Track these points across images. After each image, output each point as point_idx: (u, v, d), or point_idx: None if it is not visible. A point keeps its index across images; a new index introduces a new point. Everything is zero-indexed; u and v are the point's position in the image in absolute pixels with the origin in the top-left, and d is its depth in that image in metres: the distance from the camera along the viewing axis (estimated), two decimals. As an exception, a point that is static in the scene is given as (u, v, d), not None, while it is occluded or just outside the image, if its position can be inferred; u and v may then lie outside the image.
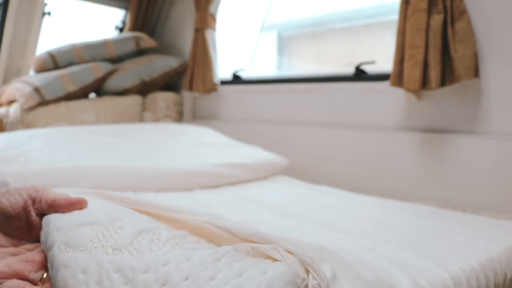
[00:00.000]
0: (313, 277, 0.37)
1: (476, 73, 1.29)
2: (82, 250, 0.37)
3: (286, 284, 0.33)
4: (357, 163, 1.62)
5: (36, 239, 0.43)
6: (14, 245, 0.42)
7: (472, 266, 0.57)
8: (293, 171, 1.72)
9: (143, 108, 2.30)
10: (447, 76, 1.33)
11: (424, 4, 1.32)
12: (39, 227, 0.43)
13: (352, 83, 1.70)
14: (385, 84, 1.50)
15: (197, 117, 2.36)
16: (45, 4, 2.13)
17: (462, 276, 0.54)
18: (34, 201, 0.44)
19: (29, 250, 0.42)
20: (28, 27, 2.07)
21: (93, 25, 2.53)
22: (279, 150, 1.76)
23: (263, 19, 2.37)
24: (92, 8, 2.42)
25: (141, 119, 2.27)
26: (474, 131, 1.35)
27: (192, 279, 0.34)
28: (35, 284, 0.38)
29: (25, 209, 0.43)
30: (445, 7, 1.31)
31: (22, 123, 1.86)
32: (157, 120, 2.26)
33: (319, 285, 0.37)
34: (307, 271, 0.37)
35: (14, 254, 0.40)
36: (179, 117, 2.38)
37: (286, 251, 0.38)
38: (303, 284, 0.35)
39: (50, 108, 1.94)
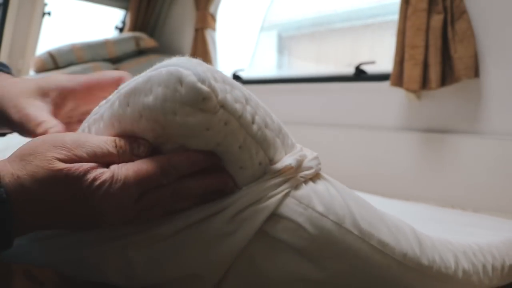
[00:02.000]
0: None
1: (476, 73, 1.29)
2: None
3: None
4: (357, 163, 1.62)
5: None
6: None
7: (469, 244, 0.57)
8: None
9: (143, 108, 2.30)
10: (447, 76, 1.33)
11: (424, 4, 1.32)
12: None
13: (352, 83, 1.70)
14: (385, 84, 1.50)
15: (197, 117, 2.36)
16: (45, 4, 2.13)
17: (459, 247, 0.54)
18: None
19: None
20: (28, 27, 2.07)
21: (93, 25, 2.53)
22: (279, 150, 1.76)
23: (263, 19, 2.37)
24: (92, 8, 2.42)
25: (141, 119, 2.27)
26: (474, 131, 1.35)
27: None
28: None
29: None
30: (445, 7, 1.31)
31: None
32: (157, 120, 2.26)
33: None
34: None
35: None
36: (179, 117, 2.38)
37: None
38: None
39: (50, 108, 1.94)
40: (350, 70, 1.72)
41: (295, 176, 0.38)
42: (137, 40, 2.29)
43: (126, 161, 0.34)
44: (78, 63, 2.14)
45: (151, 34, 2.52)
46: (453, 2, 1.29)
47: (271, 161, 0.38)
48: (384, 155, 1.55)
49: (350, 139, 1.66)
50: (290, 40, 2.31)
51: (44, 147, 0.33)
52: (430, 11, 1.32)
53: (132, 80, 0.38)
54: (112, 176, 0.33)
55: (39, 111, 0.42)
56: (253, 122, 0.37)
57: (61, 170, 0.32)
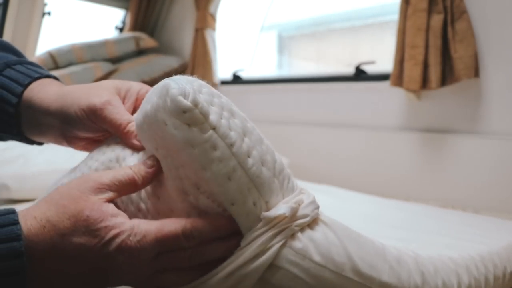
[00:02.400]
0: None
1: (476, 73, 1.29)
2: None
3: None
4: (357, 163, 1.62)
5: None
6: None
7: (471, 255, 0.57)
8: (293, 171, 1.71)
9: (143, 108, 2.30)
10: (447, 76, 1.33)
11: (424, 4, 1.32)
12: None
13: (352, 83, 1.70)
14: (385, 84, 1.50)
15: (197, 117, 2.36)
16: (45, 4, 2.13)
17: (461, 262, 0.54)
18: None
19: None
20: (28, 27, 2.07)
21: (93, 25, 2.53)
22: (279, 150, 1.75)
23: (263, 19, 2.37)
24: (92, 8, 2.42)
25: (141, 119, 2.27)
26: (474, 131, 1.35)
27: None
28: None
29: None
30: (445, 7, 1.30)
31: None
32: (157, 120, 2.26)
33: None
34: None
35: None
36: (179, 117, 2.38)
37: None
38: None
39: (8, 140, 1.93)
40: (350, 70, 1.72)
41: (290, 226, 0.37)
42: (137, 40, 2.29)
43: (146, 180, 0.37)
44: (78, 63, 2.14)
45: (151, 34, 2.52)
46: (453, 2, 1.29)
47: (267, 204, 0.37)
48: (384, 155, 1.55)
49: (350, 139, 1.66)
50: (290, 40, 2.31)
51: (72, 187, 0.35)
52: (430, 11, 1.32)
53: None
54: (132, 228, 0.33)
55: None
56: (248, 156, 0.36)
57: (85, 205, 0.33)
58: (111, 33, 2.60)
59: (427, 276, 0.45)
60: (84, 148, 0.48)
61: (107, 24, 2.61)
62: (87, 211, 0.33)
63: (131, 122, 0.42)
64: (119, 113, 0.42)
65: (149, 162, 0.38)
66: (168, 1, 2.51)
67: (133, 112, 0.45)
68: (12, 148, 1.28)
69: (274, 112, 1.98)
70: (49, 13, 2.16)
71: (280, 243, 0.36)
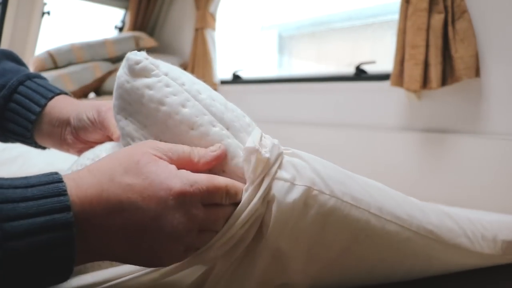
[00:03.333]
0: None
1: (477, 72, 1.28)
2: None
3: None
4: (357, 163, 1.62)
5: None
6: None
7: (458, 213, 0.57)
8: (293, 171, 1.71)
9: (143, 108, 2.30)
10: (448, 76, 1.32)
11: (424, 4, 1.31)
12: None
13: (353, 83, 1.70)
14: (386, 84, 1.49)
15: (197, 117, 2.35)
16: (45, 4, 2.13)
17: (445, 210, 0.55)
18: None
19: None
20: (27, 27, 2.06)
21: (93, 25, 2.53)
22: (279, 150, 1.75)
23: (263, 19, 2.37)
24: (92, 8, 2.42)
25: (141, 119, 2.26)
26: (475, 131, 1.34)
27: None
28: None
29: None
30: (445, 7, 1.30)
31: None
32: (156, 120, 2.26)
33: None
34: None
35: None
36: (179, 117, 2.37)
37: None
38: None
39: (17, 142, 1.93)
40: (350, 70, 1.72)
41: (273, 175, 0.39)
42: (137, 39, 2.29)
43: (205, 161, 0.38)
44: (78, 62, 2.13)
45: (151, 33, 2.52)
46: (454, 1, 1.29)
47: (228, 127, 0.40)
48: (384, 155, 1.55)
49: (350, 139, 1.65)
50: (291, 39, 2.30)
51: (127, 152, 0.36)
52: (430, 11, 1.32)
53: None
54: (183, 174, 0.35)
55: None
56: (199, 93, 0.42)
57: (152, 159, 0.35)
58: (111, 33, 2.60)
59: (401, 203, 0.48)
60: (79, 151, 0.55)
61: (107, 24, 2.60)
62: (137, 156, 0.34)
63: None
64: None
65: (212, 148, 0.38)
66: (168, 0, 2.50)
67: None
68: (11, 148, 1.28)
69: (274, 112, 1.98)
70: (48, 13, 2.16)
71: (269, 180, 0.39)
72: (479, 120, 1.33)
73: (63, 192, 0.30)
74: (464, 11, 1.28)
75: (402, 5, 1.39)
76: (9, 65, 0.56)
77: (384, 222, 0.44)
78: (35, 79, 0.55)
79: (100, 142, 0.53)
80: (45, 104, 0.53)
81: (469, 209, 1.11)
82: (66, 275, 0.30)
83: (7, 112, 0.53)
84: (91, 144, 0.54)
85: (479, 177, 1.31)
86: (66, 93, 0.57)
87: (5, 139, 0.58)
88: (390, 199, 0.47)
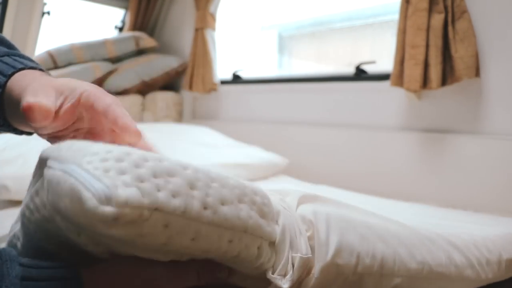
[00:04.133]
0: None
1: (477, 72, 1.28)
2: None
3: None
4: (357, 163, 1.62)
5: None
6: None
7: (464, 239, 0.57)
8: (293, 171, 1.71)
9: (143, 108, 2.30)
10: (448, 76, 1.32)
11: (424, 4, 1.31)
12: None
13: (353, 83, 1.70)
14: (386, 84, 1.49)
15: (197, 117, 2.36)
16: (44, 4, 2.13)
17: (456, 241, 0.55)
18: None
19: None
20: (27, 27, 2.06)
21: (93, 25, 2.52)
22: (279, 150, 1.75)
23: (263, 19, 2.37)
24: (92, 8, 2.42)
25: (141, 119, 2.27)
26: (475, 131, 1.34)
27: None
28: None
29: None
30: (445, 7, 1.30)
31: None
32: (156, 120, 2.26)
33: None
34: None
35: None
36: (179, 117, 2.37)
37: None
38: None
39: None
40: (350, 70, 1.72)
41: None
42: (137, 39, 2.29)
43: None
44: (78, 62, 2.13)
45: (151, 33, 2.52)
46: (454, 1, 1.29)
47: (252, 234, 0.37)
48: (384, 155, 1.55)
49: (350, 139, 1.65)
50: (290, 39, 2.30)
51: None
52: (430, 11, 1.32)
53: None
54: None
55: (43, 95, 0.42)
56: (205, 208, 0.33)
57: None
58: (111, 33, 2.60)
59: (411, 248, 0.49)
60: (49, 139, 0.48)
61: (107, 24, 2.60)
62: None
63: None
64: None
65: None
66: (168, 0, 2.50)
67: (69, 115, 0.44)
68: (11, 148, 1.28)
69: (274, 112, 1.98)
70: (48, 13, 2.16)
71: None
72: (479, 120, 1.33)
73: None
74: (464, 11, 1.28)
75: (402, 5, 1.39)
76: None
77: (394, 279, 0.47)
78: (4, 58, 0.49)
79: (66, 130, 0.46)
80: (5, 84, 0.46)
81: (473, 213, 1.11)
82: None
83: None
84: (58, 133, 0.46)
85: (479, 177, 1.31)
86: (35, 68, 0.49)
87: None
88: (399, 246, 0.48)
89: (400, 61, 1.39)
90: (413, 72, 1.33)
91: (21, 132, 0.51)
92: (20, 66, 0.48)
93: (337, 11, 2.00)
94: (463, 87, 1.34)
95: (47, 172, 0.33)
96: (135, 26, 2.46)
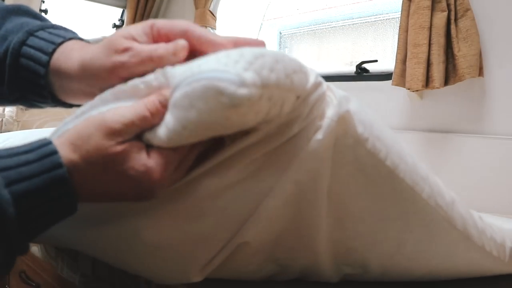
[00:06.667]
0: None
1: (480, 72, 1.27)
2: None
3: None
4: (359, 163, 1.60)
5: None
6: None
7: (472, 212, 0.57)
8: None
9: (142, 107, 2.28)
10: (451, 75, 1.31)
11: (427, 2, 1.30)
12: None
13: (354, 82, 1.68)
14: (387, 83, 1.48)
15: (196, 116, 2.34)
16: (42, 2, 2.11)
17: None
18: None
19: None
20: (25, 25, 2.05)
21: (91, 23, 2.51)
22: (279, 150, 1.74)
23: (263, 17, 2.35)
24: (90, 6, 2.40)
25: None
26: (477, 131, 1.33)
27: None
28: None
29: None
30: (448, 5, 1.28)
31: (18, 123, 1.84)
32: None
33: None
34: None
35: None
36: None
37: None
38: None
39: (47, 107, 1.92)
40: (351, 69, 1.70)
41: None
42: (135, 38, 2.27)
43: (160, 114, 0.36)
44: (76, 61, 2.12)
45: (150, 32, 2.50)
46: (457, -1, 1.27)
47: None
48: (386, 155, 1.53)
49: (351, 139, 1.64)
50: (291, 38, 2.29)
51: (88, 130, 0.36)
52: (433, 9, 1.30)
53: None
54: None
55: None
56: (287, 77, 0.36)
57: (109, 152, 0.35)
58: (109, 31, 2.58)
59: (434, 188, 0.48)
60: None
61: (105, 22, 2.58)
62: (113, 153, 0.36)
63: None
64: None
65: (162, 98, 0.36)
66: (167, -2, 2.49)
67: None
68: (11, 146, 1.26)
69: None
70: (45, 11, 2.14)
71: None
72: (482, 120, 1.32)
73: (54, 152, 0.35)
74: (467, 9, 1.26)
75: (404, 3, 1.37)
76: (13, 22, 0.50)
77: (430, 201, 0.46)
78: (39, 32, 0.47)
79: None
80: (48, 62, 0.45)
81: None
82: (72, 209, 0.36)
83: (19, 81, 0.48)
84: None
85: (481, 177, 1.30)
86: (72, 38, 0.49)
87: (30, 106, 0.53)
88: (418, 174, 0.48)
89: (402, 60, 1.38)
90: (415, 71, 1.32)
91: (70, 105, 0.51)
92: (59, 40, 0.47)
93: (339, 9, 1.99)
94: (466, 87, 1.33)
95: (176, 94, 0.35)
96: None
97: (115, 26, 2.59)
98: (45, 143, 0.35)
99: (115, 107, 0.38)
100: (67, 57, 0.45)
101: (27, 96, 0.49)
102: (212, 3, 2.16)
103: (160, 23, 0.41)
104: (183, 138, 0.35)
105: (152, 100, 0.36)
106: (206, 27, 2.15)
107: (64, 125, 0.43)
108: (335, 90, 0.44)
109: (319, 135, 0.40)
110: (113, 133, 0.35)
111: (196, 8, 2.18)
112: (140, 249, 0.45)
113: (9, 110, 1.87)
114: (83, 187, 0.36)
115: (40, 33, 0.47)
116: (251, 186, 0.41)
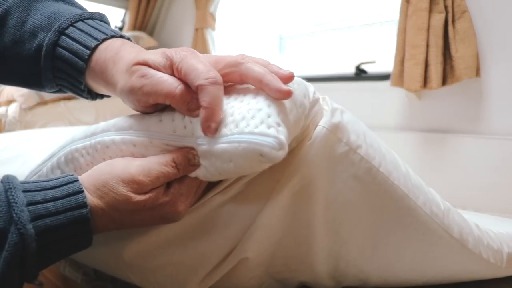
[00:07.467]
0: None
1: (477, 72, 1.28)
2: None
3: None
4: (358, 163, 1.61)
5: None
6: None
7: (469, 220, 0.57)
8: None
9: (143, 107, 2.29)
10: (448, 76, 1.32)
11: (425, 3, 1.31)
12: None
13: (353, 83, 1.69)
14: (386, 84, 1.49)
15: (196, 117, 2.35)
16: (44, 4, 2.12)
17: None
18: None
19: None
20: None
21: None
22: (279, 150, 1.75)
23: (264, 19, 2.37)
24: (91, 7, 2.41)
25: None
26: (475, 131, 1.34)
27: None
28: None
29: None
30: (446, 6, 1.30)
31: (21, 123, 1.85)
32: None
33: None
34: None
35: None
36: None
37: None
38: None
39: (49, 107, 1.93)
40: (350, 70, 1.71)
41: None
42: (136, 39, 2.29)
43: (186, 173, 0.39)
44: (78, 62, 2.13)
45: (151, 33, 2.52)
46: (454, 1, 1.29)
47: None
48: (384, 155, 1.54)
49: (350, 139, 1.65)
50: (291, 39, 2.30)
51: (114, 181, 0.38)
52: (431, 10, 1.32)
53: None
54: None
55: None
56: (300, 106, 0.41)
57: (138, 202, 0.37)
58: (111, 33, 2.59)
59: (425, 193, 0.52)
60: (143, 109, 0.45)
61: (107, 24, 2.59)
62: (140, 202, 0.38)
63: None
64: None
65: (191, 156, 0.38)
66: (168, 0, 2.50)
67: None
68: (12, 148, 1.28)
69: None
70: (48, 13, 2.15)
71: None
72: (480, 120, 1.33)
73: (80, 190, 0.37)
74: (465, 11, 1.28)
75: (402, 5, 1.39)
76: (39, 13, 0.47)
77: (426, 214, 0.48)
78: (69, 30, 0.45)
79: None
80: (89, 57, 0.44)
81: (473, 214, 1.11)
82: (87, 245, 0.38)
83: (56, 80, 0.47)
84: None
85: (479, 177, 1.31)
86: (121, 36, 0.46)
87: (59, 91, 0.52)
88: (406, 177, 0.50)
89: (401, 61, 1.39)
90: (414, 72, 1.33)
91: (102, 96, 0.52)
92: (102, 36, 0.45)
93: (338, 11, 2.00)
94: (464, 87, 1.34)
95: (207, 148, 0.37)
96: (135, 26, 2.45)
97: (116, 28, 2.61)
98: (72, 180, 0.38)
99: (140, 160, 0.39)
100: (107, 68, 0.43)
101: (65, 91, 0.51)
102: (212, 4, 2.18)
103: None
104: (215, 178, 0.39)
105: (181, 160, 0.38)
106: (206, 28, 2.17)
107: (72, 143, 0.45)
108: (329, 102, 0.45)
109: (310, 141, 0.41)
110: (141, 188, 0.38)
111: (197, 9, 2.20)
112: (141, 264, 0.47)
113: (12, 111, 1.88)
114: (101, 225, 0.38)
115: (79, 24, 0.45)
116: (249, 197, 0.43)
